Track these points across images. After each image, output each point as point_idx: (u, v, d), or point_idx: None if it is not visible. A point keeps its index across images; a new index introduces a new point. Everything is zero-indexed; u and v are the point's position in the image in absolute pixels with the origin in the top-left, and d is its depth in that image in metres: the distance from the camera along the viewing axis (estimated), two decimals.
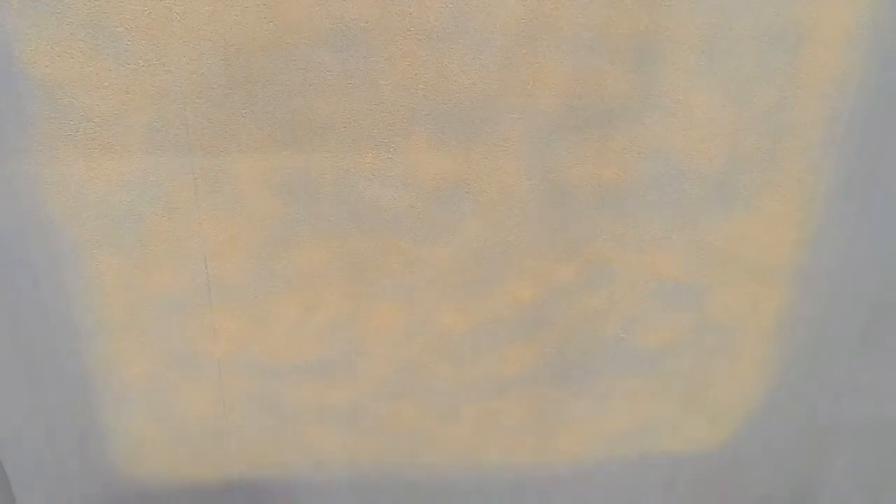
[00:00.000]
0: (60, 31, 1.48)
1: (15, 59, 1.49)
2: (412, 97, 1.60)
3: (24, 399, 1.96)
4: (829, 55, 1.61)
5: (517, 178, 1.72)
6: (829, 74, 1.63)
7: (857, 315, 2.00)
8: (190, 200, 1.69)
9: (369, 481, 2.18)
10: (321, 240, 1.77)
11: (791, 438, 2.20)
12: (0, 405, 1.96)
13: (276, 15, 1.49)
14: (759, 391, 2.11)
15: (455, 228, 1.77)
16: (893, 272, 1.94)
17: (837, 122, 1.69)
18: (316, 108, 1.60)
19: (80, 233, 1.72)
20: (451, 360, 1.98)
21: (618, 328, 1.96)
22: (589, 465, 2.19)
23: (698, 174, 1.74)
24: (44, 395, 1.95)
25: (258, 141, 1.63)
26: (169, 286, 1.81)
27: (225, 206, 1.71)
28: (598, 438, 2.15)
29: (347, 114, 1.61)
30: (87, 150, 1.61)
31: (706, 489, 2.26)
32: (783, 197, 1.79)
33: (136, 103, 1.57)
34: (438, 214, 1.75)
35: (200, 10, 1.48)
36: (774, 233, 1.84)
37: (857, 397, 2.14)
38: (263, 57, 1.53)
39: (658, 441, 2.17)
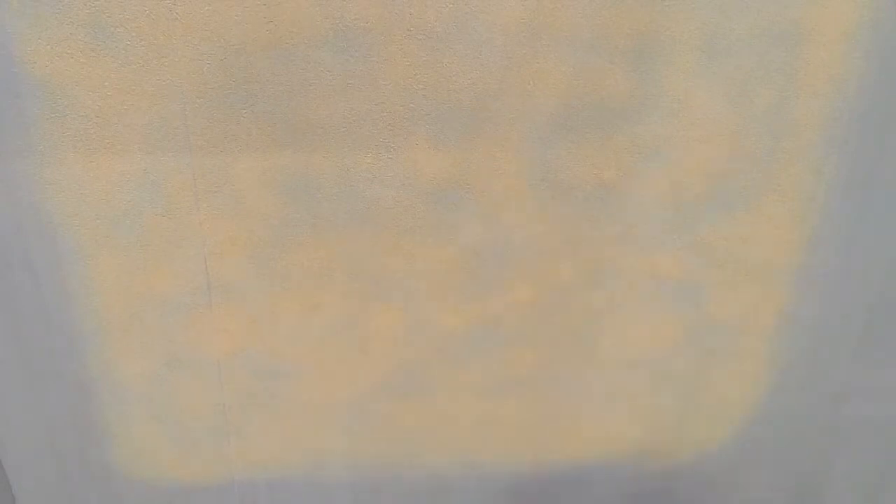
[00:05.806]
0: (60, 31, 1.48)
1: (15, 59, 1.49)
2: (412, 97, 1.60)
3: (24, 399, 1.95)
4: (829, 55, 1.61)
5: (517, 178, 1.72)
6: (829, 74, 1.63)
7: (857, 315, 2.00)
8: (190, 200, 1.69)
9: (369, 481, 2.18)
10: (321, 240, 1.77)
11: (791, 439, 2.19)
12: (0, 405, 1.96)
13: (276, 15, 1.49)
14: (759, 391, 2.11)
15: (455, 228, 1.77)
16: (893, 272, 1.93)
17: (837, 122, 1.69)
18: (316, 108, 1.60)
19: (80, 233, 1.72)
20: (451, 360, 1.98)
21: (618, 328, 1.96)
22: (589, 465, 2.19)
23: (698, 174, 1.74)
24: (44, 395, 1.95)
25: (258, 141, 1.63)
26: (169, 286, 1.80)
27: (225, 206, 1.71)
28: (598, 438, 2.14)
29: (347, 114, 1.61)
30: (87, 150, 1.61)
31: (706, 489, 2.26)
32: (783, 197, 1.79)
33: (136, 103, 1.57)
34: (438, 214, 1.75)
35: (200, 10, 1.48)
36: (774, 233, 1.84)
37: (857, 397, 2.14)
38: (263, 57, 1.53)
39: (658, 441, 2.17)
